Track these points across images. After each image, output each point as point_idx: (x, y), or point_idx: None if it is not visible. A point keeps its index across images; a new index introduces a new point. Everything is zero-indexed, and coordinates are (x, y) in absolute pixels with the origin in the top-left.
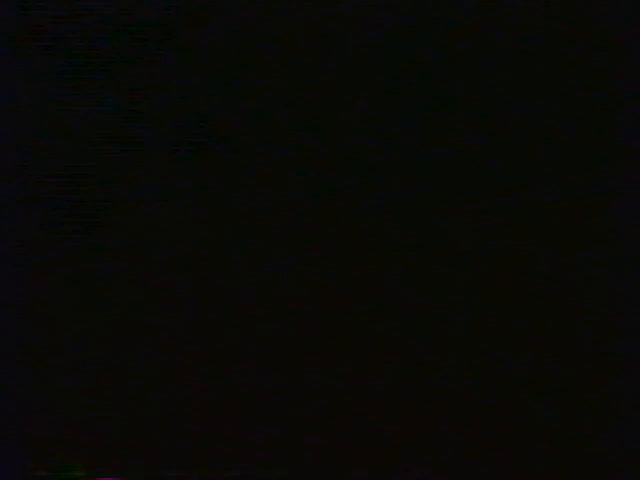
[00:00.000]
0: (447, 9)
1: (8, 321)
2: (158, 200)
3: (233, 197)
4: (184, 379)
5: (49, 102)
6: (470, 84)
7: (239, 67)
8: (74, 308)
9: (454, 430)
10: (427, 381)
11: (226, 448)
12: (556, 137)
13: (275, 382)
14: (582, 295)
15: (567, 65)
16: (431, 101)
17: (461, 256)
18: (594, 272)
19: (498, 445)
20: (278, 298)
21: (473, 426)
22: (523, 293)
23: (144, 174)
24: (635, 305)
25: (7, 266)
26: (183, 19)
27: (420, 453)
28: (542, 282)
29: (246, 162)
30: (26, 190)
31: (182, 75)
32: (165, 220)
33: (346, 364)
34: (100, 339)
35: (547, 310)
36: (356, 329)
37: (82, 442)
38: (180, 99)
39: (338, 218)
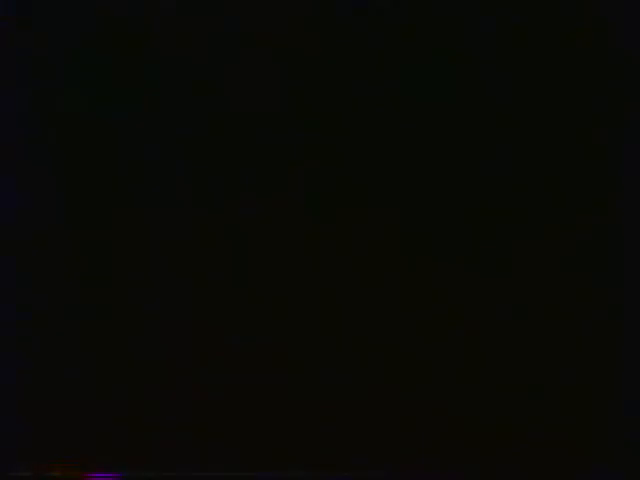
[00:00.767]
0: (447, 9)
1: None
2: (158, 197)
3: (232, 197)
4: (184, 378)
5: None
6: (469, 83)
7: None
8: (73, 306)
9: (454, 430)
10: (427, 381)
11: (226, 448)
12: (556, 137)
13: (275, 382)
14: (582, 295)
15: (567, 65)
16: (430, 101)
17: (460, 255)
18: (594, 272)
19: (498, 445)
20: (278, 297)
21: (472, 426)
22: (523, 293)
23: (145, 172)
24: (635, 305)
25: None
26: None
27: (419, 453)
28: (542, 282)
29: (246, 161)
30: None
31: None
32: (165, 218)
33: (346, 364)
34: (99, 338)
35: (547, 310)
36: (356, 330)
37: (81, 442)
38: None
39: (338, 218)
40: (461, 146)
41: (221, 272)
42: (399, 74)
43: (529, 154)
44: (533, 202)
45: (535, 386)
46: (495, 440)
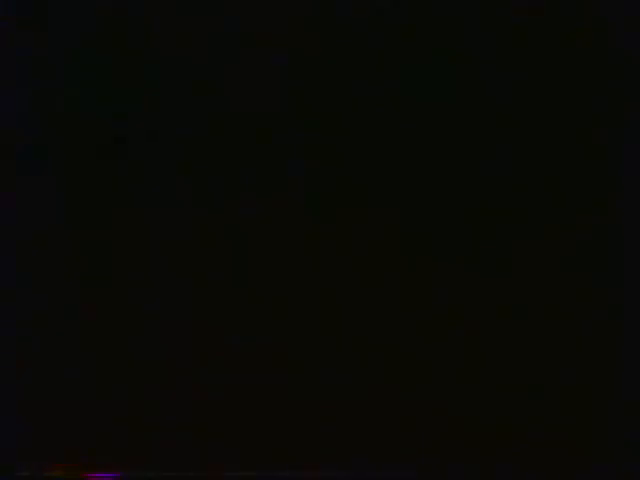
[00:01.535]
0: (447, 9)
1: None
2: (159, 198)
3: (232, 196)
4: (184, 378)
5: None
6: (469, 83)
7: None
8: (72, 304)
9: (454, 430)
10: (427, 381)
11: (226, 448)
12: (556, 137)
13: (275, 382)
14: (582, 295)
15: (567, 65)
16: (430, 101)
17: (460, 255)
18: (594, 272)
19: (498, 445)
20: (278, 296)
21: (472, 426)
22: (523, 293)
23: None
24: (635, 305)
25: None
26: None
27: (419, 452)
28: (542, 282)
29: (246, 161)
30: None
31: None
32: (166, 217)
33: (346, 364)
34: (99, 338)
35: (546, 310)
36: (356, 330)
37: (81, 442)
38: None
39: (338, 218)
40: (461, 146)
41: (221, 272)
42: (399, 74)
43: (529, 154)
44: (533, 202)
45: (535, 386)
46: (495, 440)
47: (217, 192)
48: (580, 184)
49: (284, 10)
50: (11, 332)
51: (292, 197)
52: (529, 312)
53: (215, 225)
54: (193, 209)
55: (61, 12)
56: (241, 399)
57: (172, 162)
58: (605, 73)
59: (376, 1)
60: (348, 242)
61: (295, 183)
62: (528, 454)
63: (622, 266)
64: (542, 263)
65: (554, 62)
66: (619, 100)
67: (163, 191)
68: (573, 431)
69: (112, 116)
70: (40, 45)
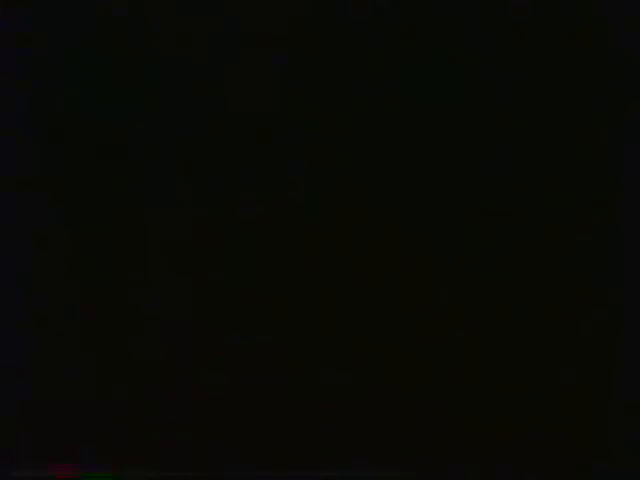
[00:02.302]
0: (447, 9)
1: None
2: (160, 197)
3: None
4: (184, 378)
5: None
6: (469, 83)
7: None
8: (72, 304)
9: (454, 430)
10: (427, 381)
11: (226, 448)
12: (556, 137)
13: (275, 382)
14: (582, 295)
15: (567, 65)
16: (430, 101)
17: (460, 255)
18: (594, 272)
19: (498, 445)
20: (279, 296)
21: (472, 426)
22: (523, 292)
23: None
24: (635, 305)
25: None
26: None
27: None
28: (542, 282)
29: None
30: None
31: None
32: (167, 217)
33: (346, 364)
34: (99, 338)
35: (546, 310)
36: (356, 330)
37: (81, 442)
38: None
39: (338, 218)
40: (461, 146)
41: (221, 271)
42: (399, 74)
43: (529, 154)
44: (533, 202)
45: (535, 386)
46: (495, 440)
47: (217, 192)
48: (580, 184)
49: (284, 10)
50: (10, 332)
51: (292, 197)
52: (529, 312)
53: (215, 225)
54: (193, 209)
55: (60, 11)
56: (241, 399)
57: (172, 162)
58: (605, 73)
59: (376, 1)
60: (348, 242)
61: (295, 183)
62: (528, 454)
63: (622, 266)
64: (542, 263)
65: (554, 62)
66: (619, 100)
67: (162, 191)
68: (573, 431)
69: (111, 116)
70: (39, 45)
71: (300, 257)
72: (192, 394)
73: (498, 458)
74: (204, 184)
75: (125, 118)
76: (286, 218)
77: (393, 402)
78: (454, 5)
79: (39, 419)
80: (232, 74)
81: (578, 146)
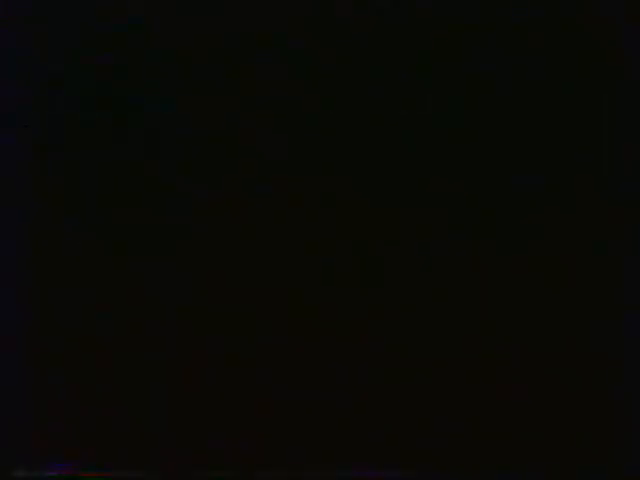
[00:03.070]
0: (447, 9)
1: (6, 316)
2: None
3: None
4: (184, 378)
5: None
6: (469, 83)
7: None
8: (71, 303)
9: (454, 430)
10: (427, 381)
11: (226, 448)
12: (555, 136)
13: (275, 382)
14: (582, 295)
15: (567, 65)
16: (430, 100)
17: (460, 255)
18: (594, 272)
19: (498, 445)
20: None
21: (473, 426)
22: (522, 292)
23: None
24: (635, 305)
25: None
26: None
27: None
28: (542, 282)
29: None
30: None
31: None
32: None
33: (346, 364)
34: (99, 338)
35: (546, 310)
36: (356, 330)
37: (80, 442)
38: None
39: (338, 218)
40: (460, 146)
41: (222, 271)
42: (399, 74)
43: (529, 154)
44: (533, 202)
45: (535, 386)
46: (495, 441)
47: (217, 191)
48: (580, 184)
49: (284, 10)
50: (11, 332)
51: (292, 197)
52: (529, 312)
53: (215, 224)
54: (192, 209)
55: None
56: (241, 399)
57: (170, 162)
58: (605, 73)
59: (376, 1)
60: (348, 242)
61: (295, 183)
62: (528, 454)
63: (622, 266)
64: (542, 263)
65: (554, 62)
66: (619, 100)
67: (163, 190)
68: (573, 432)
69: (111, 116)
70: (39, 43)
71: (300, 256)
72: (192, 394)
73: (498, 458)
74: (203, 183)
75: (125, 118)
76: (286, 218)
77: (393, 402)
78: (454, 5)
79: (38, 419)
80: (232, 74)
81: (578, 146)
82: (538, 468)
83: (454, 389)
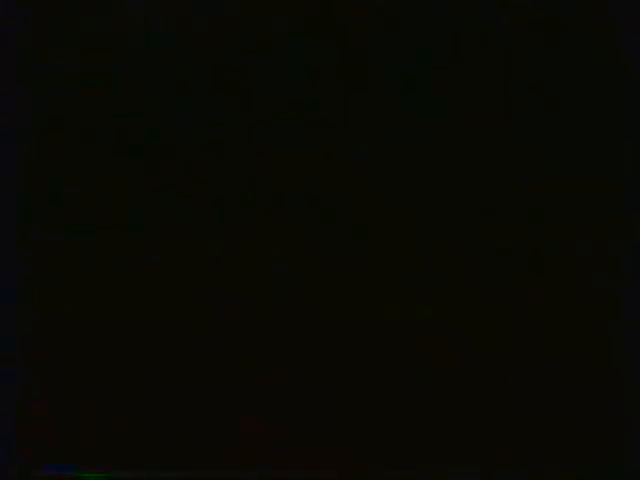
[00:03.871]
0: (447, 9)
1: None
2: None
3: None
4: (184, 378)
5: None
6: (469, 83)
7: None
8: (71, 304)
9: (454, 430)
10: (427, 381)
11: (226, 448)
12: (555, 136)
13: (275, 382)
14: (582, 295)
15: (567, 65)
16: (430, 101)
17: (460, 255)
18: (593, 272)
19: (498, 445)
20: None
21: (473, 426)
22: (523, 292)
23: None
24: (635, 305)
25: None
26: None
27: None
28: (542, 282)
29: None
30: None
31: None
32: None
33: (346, 364)
34: (99, 338)
35: (546, 310)
36: (356, 329)
37: (79, 442)
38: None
39: (338, 218)
40: (460, 146)
41: (221, 271)
42: (399, 74)
43: (529, 154)
44: (533, 202)
45: (535, 386)
46: (495, 440)
47: (217, 191)
48: (581, 184)
49: (284, 10)
50: (11, 333)
51: (292, 197)
52: (529, 312)
53: (215, 224)
54: (192, 208)
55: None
56: (241, 399)
57: (171, 161)
58: (605, 73)
59: (376, 1)
60: (348, 241)
61: (295, 183)
62: (528, 455)
63: (622, 266)
64: (542, 263)
65: (554, 62)
66: (619, 100)
67: (162, 190)
68: (573, 432)
69: (125, 123)
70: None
71: (300, 256)
72: (192, 394)
73: (498, 458)
74: (204, 183)
75: (129, 120)
76: (286, 218)
77: (393, 402)
78: (454, 5)
79: (38, 419)
80: (232, 74)
81: (578, 146)
82: (538, 468)
83: (454, 389)
